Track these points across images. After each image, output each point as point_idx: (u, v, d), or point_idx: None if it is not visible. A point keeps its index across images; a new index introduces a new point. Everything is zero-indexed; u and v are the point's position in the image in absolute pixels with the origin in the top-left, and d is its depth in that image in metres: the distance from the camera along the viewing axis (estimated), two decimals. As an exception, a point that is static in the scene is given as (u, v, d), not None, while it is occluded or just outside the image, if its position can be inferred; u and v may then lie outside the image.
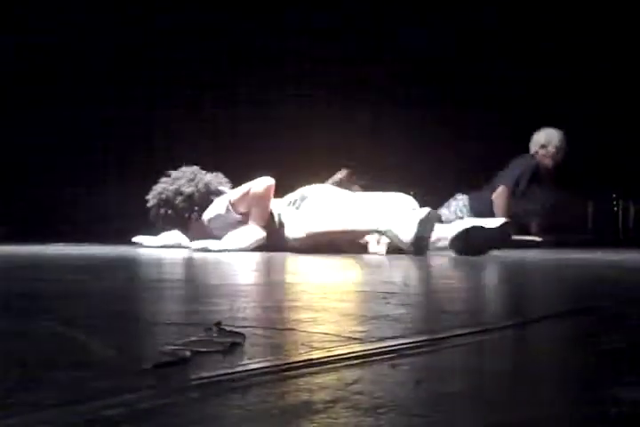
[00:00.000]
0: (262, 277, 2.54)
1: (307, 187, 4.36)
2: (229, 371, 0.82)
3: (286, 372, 0.83)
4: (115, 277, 2.46)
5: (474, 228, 3.61)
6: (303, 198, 4.21)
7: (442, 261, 3.47)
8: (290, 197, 4.33)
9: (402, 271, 2.93)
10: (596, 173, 6.00)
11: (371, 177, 6.07)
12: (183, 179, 4.54)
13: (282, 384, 0.78)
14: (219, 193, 4.54)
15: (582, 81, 6.25)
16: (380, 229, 3.89)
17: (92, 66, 6.30)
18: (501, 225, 3.61)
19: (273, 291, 1.95)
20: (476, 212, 5.53)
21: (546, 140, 5.68)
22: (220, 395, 0.73)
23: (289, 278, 2.49)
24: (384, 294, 1.73)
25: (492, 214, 5.34)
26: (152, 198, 4.55)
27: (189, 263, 3.25)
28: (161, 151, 6.14)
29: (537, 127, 5.83)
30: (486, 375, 0.84)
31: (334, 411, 0.67)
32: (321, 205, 4.14)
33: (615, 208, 6.40)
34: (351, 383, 0.78)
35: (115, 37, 6.24)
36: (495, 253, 3.75)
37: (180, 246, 4.55)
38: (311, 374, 0.83)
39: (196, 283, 2.24)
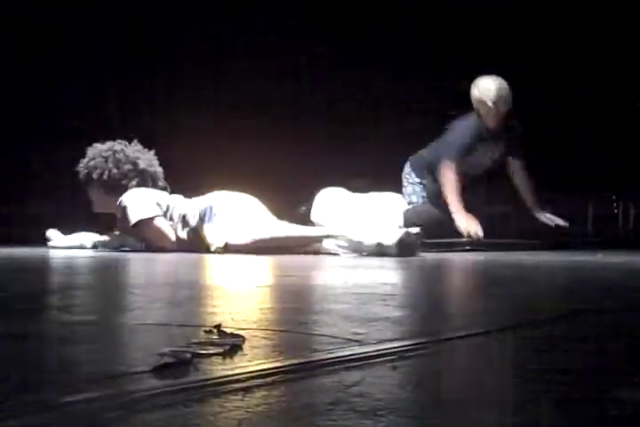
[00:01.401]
0: (260, 279, 2.54)
1: (214, 194, 4.18)
2: (229, 373, 0.81)
3: (286, 374, 0.83)
4: (110, 277, 2.47)
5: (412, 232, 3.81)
6: (211, 209, 4.00)
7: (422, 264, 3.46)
8: (198, 203, 4.11)
9: (390, 273, 2.93)
10: (596, 175, 6.00)
11: (368, 180, 6.08)
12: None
13: (282, 386, 0.78)
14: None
15: (583, 84, 6.25)
16: (331, 234, 3.89)
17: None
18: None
19: (272, 293, 1.95)
20: (419, 174, 5.32)
21: (481, 95, 4.93)
22: (219, 397, 0.73)
23: (287, 280, 2.49)
24: (383, 295, 1.73)
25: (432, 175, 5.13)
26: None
27: (185, 264, 3.25)
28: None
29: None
30: (487, 377, 0.84)
31: (334, 413, 0.67)
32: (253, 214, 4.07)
33: (615, 210, 6.39)
34: (351, 386, 0.78)
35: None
36: (494, 254, 3.75)
37: (84, 248, 4.39)
38: (311, 376, 0.83)
39: (194, 284, 2.24)
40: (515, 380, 0.83)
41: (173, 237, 4.11)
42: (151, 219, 4.09)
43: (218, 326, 1.08)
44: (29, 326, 1.23)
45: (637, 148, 6.06)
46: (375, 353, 0.94)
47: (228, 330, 1.07)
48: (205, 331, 1.07)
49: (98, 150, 4.33)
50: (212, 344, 0.97)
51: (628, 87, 6.25)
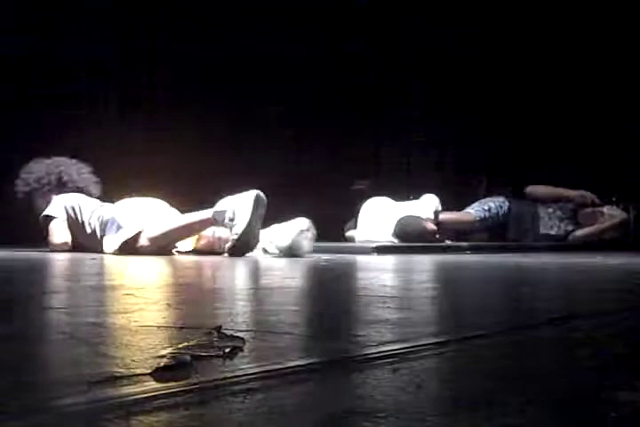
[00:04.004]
0: (259, 281, 2.54)
1: (125, 201, 4.36)
2: (229, 375, 0.81)
3: (286, 376, 0.83)
4: (106, 279, 2.46)
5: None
6: (113, 221, 4.17)
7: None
8: (103, 212, 4.30)
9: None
10: (595, 177, 6.01)
11: (369, 182, 6.10)
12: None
13: (282, 389, 0.78)
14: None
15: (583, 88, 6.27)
16: (217, 210, 3.88)
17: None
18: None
19: (271, 295, 1.95)
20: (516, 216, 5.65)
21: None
22: (219, 399, 0.73)
23: (286, 282, 2.49)
24: (383, 297, 1.73)
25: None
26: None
27: (179, 266, 3.25)
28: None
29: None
30: (487, 379, 0.84)
31: (335, 416, 0.67)
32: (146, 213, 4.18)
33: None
34: (352, 388, 0.78)
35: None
36: (493, 257, 3.75)
37: None
38: (311, 378, 0.83)
39: (193, 287, 2.24)
40: (513, 382, 0.83)
41: (62, 240, 4.37)
42: (51, 218, 4.42)
43: (218, 328, 1.08)
44: (29, 328, 1.23)
45: (636, 150, 6.07)
46: (375, 355, 0.94)
47: (228, 332, 1.07)
48: (205, 333, 1.07)
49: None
50: (212, 346, 0.97)
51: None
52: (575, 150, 6.28)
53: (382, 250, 4.55)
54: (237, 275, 2.89)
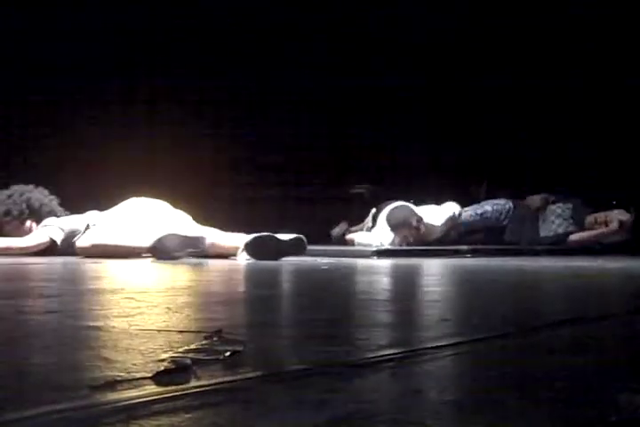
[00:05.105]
0: (257, 286, 2.54)
1: (124, 202, 4.36)
2: (229, 379, 0.81)
3: (286, 381, 0.83)
4: (106, 283, 2.47)
5: (268, 236, 3.91)
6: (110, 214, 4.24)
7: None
8: (112, 211, 4.34)
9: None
10: (596, 181, 6.00)
11: (369, 187, 6.09)
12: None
13: (281, 392, 0.78)
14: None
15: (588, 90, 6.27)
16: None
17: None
18: (294, 239, 3.95)
19: (271, 299, 1.95)
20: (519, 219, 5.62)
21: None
22: (220, 403, 0.73)
23: (285, 287, 2.49)
24: (383, 301, 1.73)
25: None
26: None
27: (179, 270, 3.25)
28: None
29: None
30: (488, 382, 0.84)
31: (334, 419, 0.67)
32: (115, 219, 4.20)
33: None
34: (351, 391, 0.78)
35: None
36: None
37: None
38: (311, 382, 0.83)
39: (193, 291, 2.24)
40: (515, 384, 0.83)
41: (28, 245, 4.28)
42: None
43: (218, 333, 1.08)
44: (30, 331, 1.23)
45: (637, 153, 6.07)
46: (376, 359, 0.94)
47: (229, 336, 1.07)
48: (206, 337, 1.07)
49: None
50: (212, 350, 0.97)
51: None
52: (575, 151, 6.28)
53: (382, 253, 4.55)
54: (235, 279, 2.89)
